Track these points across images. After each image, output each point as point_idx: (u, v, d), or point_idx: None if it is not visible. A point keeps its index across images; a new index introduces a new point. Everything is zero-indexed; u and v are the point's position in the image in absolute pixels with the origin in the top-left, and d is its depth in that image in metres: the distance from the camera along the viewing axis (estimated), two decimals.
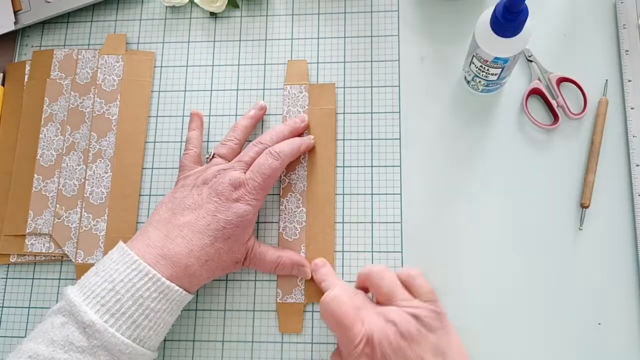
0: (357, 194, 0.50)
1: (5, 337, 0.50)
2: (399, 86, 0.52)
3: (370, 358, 0.39)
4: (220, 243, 0.43)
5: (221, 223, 0.43)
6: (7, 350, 0.49)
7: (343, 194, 0.50)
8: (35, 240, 0.51)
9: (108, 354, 0.38)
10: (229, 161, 0.48)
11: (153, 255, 0.41)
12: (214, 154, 0.48)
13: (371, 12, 0.55)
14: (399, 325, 0.39)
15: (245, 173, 0.45)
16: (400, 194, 0.50)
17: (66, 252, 0.50)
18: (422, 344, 0.39)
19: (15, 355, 0.38)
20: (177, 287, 0.41)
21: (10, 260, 0.51)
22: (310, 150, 0.51)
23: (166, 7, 0.57)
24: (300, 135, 0.51)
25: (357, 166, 0.51)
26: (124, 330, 0.39)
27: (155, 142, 0.53)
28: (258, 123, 0.52)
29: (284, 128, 0.49)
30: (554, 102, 0.50)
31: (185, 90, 0.54)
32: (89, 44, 0.56)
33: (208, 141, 0.52)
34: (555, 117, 0.50)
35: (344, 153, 0.51)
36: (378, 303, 0.43)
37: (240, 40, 0.55)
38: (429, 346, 0.39)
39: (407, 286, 0.42)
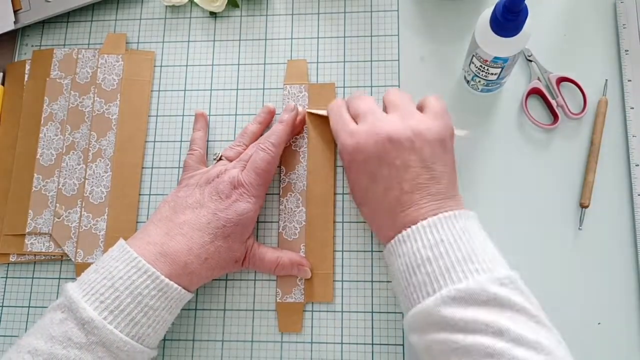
0: None
1: (5, 336, 0.50)
2: (399, 86, 0.52)
3: (351, 164, 0.43)
4: (220, 241, 0.43)
5: (221, 221, 0.43)
6: (7, 349, 0.49)
7: (343, 194, 0.50)
8: (35, 239, 0.51)
9: (106, 350, 0.38)
10: None
11: (153, 253, 0.42)
12: (221, 156, 0.49)
13: (371, 12, 0.55)
14: (391, 130, 0.41)
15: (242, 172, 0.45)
16: None
17: (66, 251, 0.50)
18: (412, 153, 0.41)
19: (14, 350, 0.39)
20: (176, 286, 0.41)
21: (10, 259, 0.51)
22: (310, 150, 0.51)
23: (166, 6, 0.57)
24: (300, 127, 0.51)
25: None
26: (122, 328, 0.39)
27: (155, 141, 0.53)
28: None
29: (283, 127, 0.49)
30: (553, 102, 0.50)
31: (185, 90, 0.54)
32: (89, 44, 0.56)
33: (208, 140, 0.52)
34: (555, 117, 0.50)
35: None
36: None
37: (240, 40, 0.55)
38: (418, 157, 0.41)
39: (421, 104, 0.45)
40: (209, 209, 0.44)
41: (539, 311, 0.37)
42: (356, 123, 0.44)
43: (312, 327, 0.48)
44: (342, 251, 0.49)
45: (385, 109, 0.46)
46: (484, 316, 0.35)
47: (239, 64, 0.55)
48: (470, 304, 0.35)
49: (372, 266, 0.49)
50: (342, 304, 0.48)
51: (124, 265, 0.40)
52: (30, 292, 0.51)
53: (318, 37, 0.55)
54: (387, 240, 0.42)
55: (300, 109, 0.51)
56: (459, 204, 0.42)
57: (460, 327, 0.35)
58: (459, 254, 0.38)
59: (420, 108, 0.45)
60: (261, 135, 0.51)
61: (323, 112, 0.50)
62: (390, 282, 0.48)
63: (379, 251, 0.49)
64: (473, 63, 0.47)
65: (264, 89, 0.54)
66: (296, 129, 0.50)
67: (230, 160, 0.48)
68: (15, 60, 0.57)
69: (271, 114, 0.52)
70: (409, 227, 0.40)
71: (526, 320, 0.35)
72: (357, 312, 0.48)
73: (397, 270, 0.40)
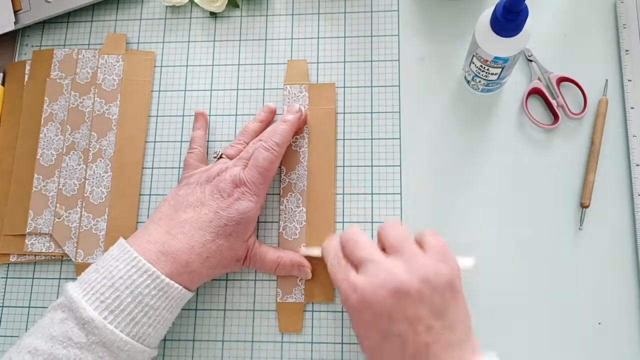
0: (357, 194, 0.50)
1: (5, 336, 0.50)
2: (399, 86, 0.52)
3: (358, 320, 0.39)
4: (221, 240, 0.43)
5: (223, 220, 0.43)
6: (7, 349, 0.49)
7: (343, 194, 0.50)
8: (35, 239, 0.51)
9: (107, 350, 0.38)
10: None
11: (153, 252, 0.41)
12: (221, 155, 0.49)
13: (371, 12, 0.55)
14: (398, 283, 0.37)
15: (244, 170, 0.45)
16: (400, 193, 0.50)
17: (66, 251, 0.50)
18: (422, 304, 0.37)
19: (15, 350, 0.39)
20: (176, 285, 0.41)
21: (10, 259, 0.51)
22: (311, 150, 0.51)
23: (166, 6, 0.57)
24: (301, 128, 0.51)
25: (357, 166, 0.51)
26: (122, 327, 0.39)
27: (155, 141, 0.53)
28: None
29: (287, 127, 0.48)
30: (554, 102, 0.50)
31: (185, 90, 0.54)
32: (89, 44, 0.56)
33: (208, 141, 0.52)
34: (555, 117, 0.50)
35: (344, 153, 0.51)
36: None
37: (240, 40, 0.55)
38: (430, 307, 0.37)
39: (418, 242, 0.41)
40: (211, 207, 0.44)
41: None
42: (356, 269, 0.40)
43: (312, 327, 0.48)
44: None
45: (382, 247, 0.41)
46: None
47: (239, 64, 0.55)
48: None
49: None
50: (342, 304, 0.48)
51: (124, 265, 0.40)
52: (31, 292, 0.51)
53: (318, 37, 0.55)
54: None
55: (297, 107, 0.51)
56: (475, 348, 0.39)
57: None
58: None
59: (419, 243, 0.41)
60: (261, 133, 0.51)
61: (317, 253, 0.47)
62: None
63: None
64: (473, 63, 0.47)
65: (264, 89, 0.54)
66: (297, 128, 0.51)
67: (231, 159, 0.48)
68: (16, 60, 0.57)
69: (272, 113, 0.52)
70: None
71: None
72: None
73: None
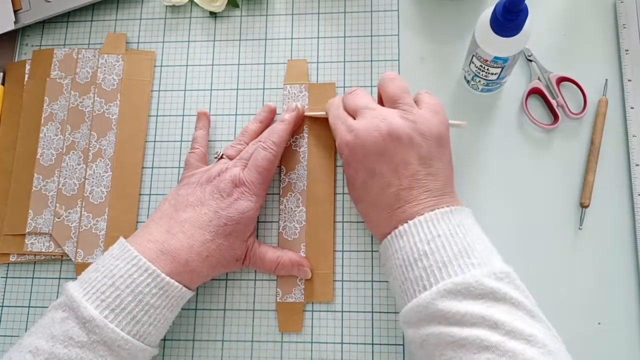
0: None
1: (5, 336, 0.50)
2: None
3: (350, 159, 0.43)
4: (221, 239, 0.43)
5: (223, 219, 0.43)
6: (7, 349, 0.49)
7: (343, 194, 0.50)
8: (35, 239, 0.51)
9: (107, 349, 0.38)
10: None
11: (153, 251, 0.42)
12: (222, 155, 0.49)
13: (371, 11, 0.55)
14: (391, 126, 0.41)
15: (243, 170, 0.46)
16: None
17: (66, 251, 0.50)
18: (410, 149, 0.41)
19: (16, 350, 0.39)
20: (176, 284, 0.41)
21: (10, 259, 0.51)
22: (311, 150, 0.51)
23: (166, 6, 0.57)
24: (300, 126, 0.51)
25: None
26: (123, 326, 0.39)
27: (155, 141, 0.53)
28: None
29: (285, 127, 0.49)
30: (553, 102, 0.50)
31: (185, 90, 0.54)
32: (89, 44, 0.56)
33: (208, 140, 0.52)
34: (555, 117, 0.50)
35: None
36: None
37: (240, 40, 0.55)
38: (417, 153, 0.41)
39: (415, 99, 0.45)
40: (211, 207, 0.44)
41: (534, 306, 0.37)
42: (354, 119, 0.44)
43: (312, 327, 0.48)
44: (342, 251, 0.49)
45: (380, 99, 0.46)
46: (480, 309, 0.35)
47: (239, 64, 0.55)
48: (467, 297, 0.36)
49: (372, 266, 0.49)
50: (342, 303, 0.48)
51: (125, 264, 0.40)
52: (31, 292, 0.51)
53: (318, 37, 0.55)
54: (382, 236, 0.42)
55: (300, 106, 0.51)
56: (454, 201, 0.42)
57: (456, 320, 0.35)
58: (455, 248, 0.38)
59: (416, 102, 0.45)
60: (261, 133, 0.51)
61: (321, 114, 0.50)
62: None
63: (378, 251, 0.49)
64: (473, 63, 0.47)
65: (264, 89, 0.54)
66: (296, 127, 0.51)
67: (231, 159, 0.48)
68: (16, 60, 0.57)
69: (272, 113, 0.52)
70: (406, 222, 0.40)
71: (522, 314, 0.36)
72: (357, 312, 0.48)
73: (394, 266, 0.40)
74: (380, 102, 0.46)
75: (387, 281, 0.48)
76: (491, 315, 0.35)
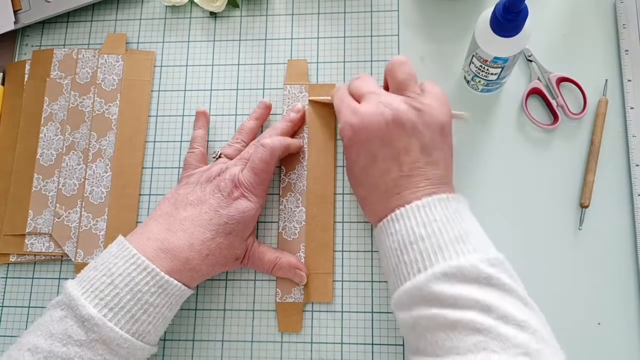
0: None
1: (5, 336, 0.50)
2: None
3: (352, 142, 0.42)
4: (221, 238, 0.43)
5: (223, 218, 0.43)
6: (7, 349, 0.49)
7: (343, 194, 0.50)
8: (35, 239, 0.51)
9: (106, 347, 0.39)
10: None
11: (153, 249, 0.42)
12: (220, 154, 0.49)
13: (371, 12, 0.55)
14: (396, 113, 0.41)
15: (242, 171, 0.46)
16: None
17: (66, 251, 0.50)
18: (413, 137, 0.41)
19: (14, 348, 0.39)
20: (176, 282, 0.41)
21: (10, 259, 0.51)
22: (310, 150, 0.51)
23: (166, 6, 0.57)
24: (300, 126, 0.51)
25: None
26: (122, 325, 0.39)
27: (155, 141, 0.53)
28: (264, 124, 0.52)
29: (282, 124, 0.49)
30: (553, 102, 0.50)
31: (185, 90, 0.54)
32: (89, 44, 0.56)
33: (208, 140, 0.52)
34: (555, 117, 0.50)
35: (344, 153, 0.51)
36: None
37: (240, 40, 0.55)
38: (419, 141, 0.41)
39: (420, 88, 0.44)
40: (211, 205, 0.44)
41: (526, 295, 0.37)
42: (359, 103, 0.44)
43: (312, 327, 0.48)
44: (342, 251, 0.49)
45: (386, 83, 0.46)
46: (474, 293, 0.35)
47: (239, 64, 0.55)
48: (461, 280, 0.36)
49: (372, 266, 0.49)
50: (342, 304, 0.48)
51: (123, 262, 0.40)
52: (30, 292, 0.51)
53: (318, 37, 0.55)
54: (378, 221, 0.42)
55: (300, 106, 0.51)
56: (452, 190, 0.42)
57: (449, 303, 0.35)
58: (451, 233, 0.38)
59: (421, 90, 0.44)
60: (258, 130, 0.51)
61: (326, 98, 0.50)
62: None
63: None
64: (473, 63, 0.47)
65: (264, 89, 0.54)
66: (296, 129, 0.51)
67: (230, 158, 0.48)
68: (15, 60, 0.57)
69: (268, 109, 0.52)
70: (403, 206, 0.40)
71: (514, 300, 0.36)
72: (357, 312, 0.48)
73: (389, 249, 0.40)
74: (386, 86, 0.46)
75: (386, 281, 0.48)
76: (485, 299, 0.35)
